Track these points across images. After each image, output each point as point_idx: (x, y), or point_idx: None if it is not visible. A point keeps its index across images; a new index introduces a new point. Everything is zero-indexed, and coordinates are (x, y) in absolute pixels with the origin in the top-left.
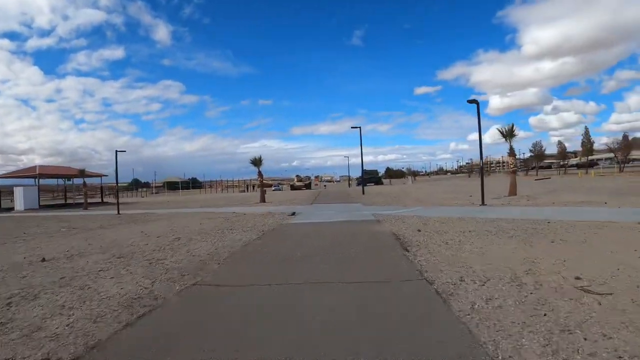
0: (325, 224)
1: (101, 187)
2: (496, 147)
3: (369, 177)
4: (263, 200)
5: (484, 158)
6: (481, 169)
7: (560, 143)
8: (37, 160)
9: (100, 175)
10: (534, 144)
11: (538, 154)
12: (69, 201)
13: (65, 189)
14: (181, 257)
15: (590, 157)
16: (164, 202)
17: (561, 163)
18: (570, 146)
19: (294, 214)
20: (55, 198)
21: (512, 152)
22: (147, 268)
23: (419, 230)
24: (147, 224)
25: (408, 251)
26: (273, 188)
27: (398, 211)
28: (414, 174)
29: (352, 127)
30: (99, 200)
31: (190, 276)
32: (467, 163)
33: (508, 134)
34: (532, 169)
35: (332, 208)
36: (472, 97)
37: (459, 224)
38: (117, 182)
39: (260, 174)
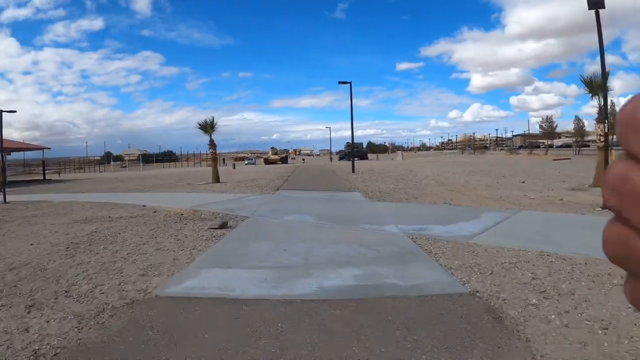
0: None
1: (43, 162)
2: (479, 125)
3: (355, 151)
4: (217, 179)
5: (464, 136)
6: (605, 137)
7: (577, 119)
8: (14, 135)
9: (39, 148)
10: (545, 118)
11: (549, 131)
12: (16, 179)
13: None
14: None
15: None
16: (111, 180)
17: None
18: (549, 127)
19: (225, 225)
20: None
21: (602, 115)
22: None
23: None
24: None
25: None
26: (246, 162)
27: (468, 226)
28: (401, 149)
29: (339, 83)
30: (41, 177)
31: None
32: (449, 140)
33: (598, 86)
34: (537, 147)
35: (310, 205)
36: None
37: None
38: (1, 155)
39: (212, 143)
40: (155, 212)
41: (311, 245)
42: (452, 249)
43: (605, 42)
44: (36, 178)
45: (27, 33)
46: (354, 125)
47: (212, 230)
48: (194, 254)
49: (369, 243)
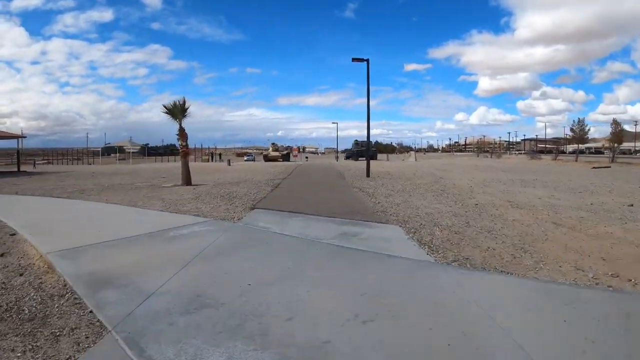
0: None
1: (17, 152)
2: (485, 129)
3: (363, 150)
4: (187, 181)
5: (473, 139)
6: None
7: (615, 122)
8: (21, 124)
9: (14, 136)
10: (577, 121)
11: (581, 135)
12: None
13: None
14: None
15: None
16: (82, 174)
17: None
18: (554, 132)
19: None
20: None
21: None
22: None
23: None
24: None
25: None
26: (245, 158)
27: None
28: (411, 149)
29: (353, 60)
30: (15, 169)
31: None
32: (455, 142)
33: None
34: (562, 152)
35: (296, 286)
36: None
37: None
38: None
39: (182, 133)
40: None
41: None
42: None
43: (614, 50)
44: (11, 170)
45: (36, 23)
46: (361, 124)
47: None
48: None
49: None
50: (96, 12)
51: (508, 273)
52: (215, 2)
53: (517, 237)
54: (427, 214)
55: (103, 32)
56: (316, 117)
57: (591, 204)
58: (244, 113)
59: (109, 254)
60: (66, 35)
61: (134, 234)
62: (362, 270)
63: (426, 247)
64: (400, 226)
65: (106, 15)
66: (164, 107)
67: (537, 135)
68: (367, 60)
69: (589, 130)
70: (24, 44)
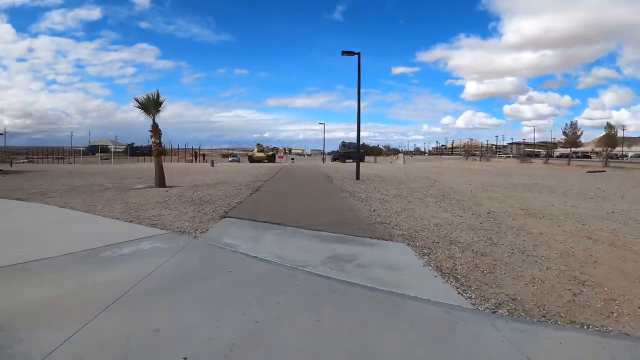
0: None
1: None
2: (471, 132)
3: (350, 152)
4: (161, 182)
5: (460, 142)
6: None
7: (609, 126)
8: (5, 122)
9: None
10: (570, 124)
11: (574, 138)
12: None
13: None
14: None
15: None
16: (55, 174)
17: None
18: (541, 136)
19: None
20: None
21: None
22: None
23: None
24: None
25: None
26: (230, 159)
27: None
28: (399, 152)
29: (343, 53)
30: None
31: None
32: (442, 145)
33: None
34: (550, 156)
35: None
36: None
37: None
38: None
39: (155, 129)
40: None
41: None
42: None
43: (600, 55)
44: None
45: (23, 20)
46: (348, 126)
47: None
48: None
49: None
50: (84, 10)
51: (582, 325)
52: (204, 2)
53: (560, 260)
54: (436, 226)
55: (91, 30)
56: (303, 118)
57: (612, 212)
58: (232, 114)
59: (12, 285)
60: (53, 33)
61: (62, 252)
62: (368, 329)
63: (452, 278)
64: (408, 244)
65: (94, 13)
66: (136, 100)
67: (524, 139)
68: (359, 54)
69: (581, 134)
70: (10, 40)
